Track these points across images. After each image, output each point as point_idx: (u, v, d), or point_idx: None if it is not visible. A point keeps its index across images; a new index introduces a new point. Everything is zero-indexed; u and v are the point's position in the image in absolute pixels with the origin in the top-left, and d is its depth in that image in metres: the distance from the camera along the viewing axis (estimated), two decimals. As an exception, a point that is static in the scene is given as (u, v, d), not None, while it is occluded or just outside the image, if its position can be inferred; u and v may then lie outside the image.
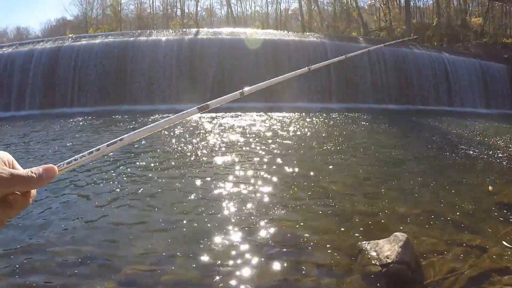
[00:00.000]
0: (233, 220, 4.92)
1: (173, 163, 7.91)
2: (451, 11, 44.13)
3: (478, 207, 5.61)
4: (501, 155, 10.07)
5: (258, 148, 9.33)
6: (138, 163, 7.86)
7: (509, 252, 4.22)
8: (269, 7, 56.18)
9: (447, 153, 9.94)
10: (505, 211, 5.50)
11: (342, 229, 4.65)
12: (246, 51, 22.28)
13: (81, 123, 15.29)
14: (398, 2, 47.66)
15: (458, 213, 5.31)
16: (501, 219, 5.19)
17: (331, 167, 7.79)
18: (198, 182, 6.64)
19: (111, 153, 7.65)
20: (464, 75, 25.64)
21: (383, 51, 23.88)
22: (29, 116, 18.66)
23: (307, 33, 28.65)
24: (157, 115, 16.43)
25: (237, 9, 56.82)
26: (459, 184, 6.95)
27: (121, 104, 20.33)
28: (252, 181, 6.55)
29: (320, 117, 16.37)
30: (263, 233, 4.55)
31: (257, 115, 16.46)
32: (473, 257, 4.09)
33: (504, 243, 4.43)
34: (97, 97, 21.05)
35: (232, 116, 15.80)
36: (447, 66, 25.29)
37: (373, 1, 52.25)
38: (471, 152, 10.28)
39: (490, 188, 6.50)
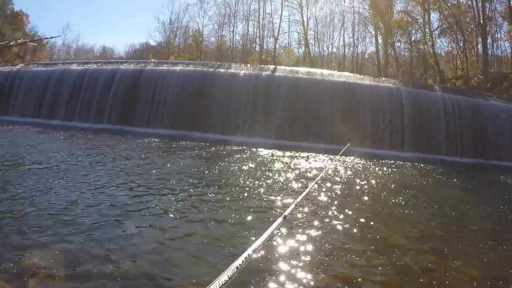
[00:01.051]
0: (294, 267, 4.59)
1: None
2: (530, 60, 43.08)
3: None
4: None
5: (322, 192, 9.07)
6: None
7: None
8: (346, 50, 57.50)
9: None
10: None
11: (399, 283, 4.56)
12: (321, 92, 23.00)
13: (153, 144, 16.54)
14: (475, 50, 47.20)
15: None
16: None
17: (396, 218, 7.49)
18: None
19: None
20: None
21: (458, 100, 24.04)
22: (105, 129, 20.76)
23: (383, 78, 29.12)
24: (228, 146, 17.58)
25: (315, 49, 58.43)
26: None
27: (194, 131, 21.72)
28: (314, 225, 6.29)
29: (391, 166, 16.22)
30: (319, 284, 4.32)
31: (322, 157, 16.83)
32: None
33: None
34: (172, 121, 22.63)
35: (296, 157, 16.01)
36: (526, 120, 24.62)
37: (451, 48, 52.18)
38: None
39: None
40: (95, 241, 4.73)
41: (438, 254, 5.53)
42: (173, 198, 7.24)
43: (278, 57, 54.18)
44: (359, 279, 4.48)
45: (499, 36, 50.88)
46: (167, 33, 60.38)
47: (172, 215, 6.21)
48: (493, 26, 47.26)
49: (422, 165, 17.73)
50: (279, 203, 7.56)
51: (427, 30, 46.72)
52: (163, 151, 14.59)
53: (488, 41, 44.14)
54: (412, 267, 4.96)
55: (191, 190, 8.11)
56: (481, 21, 40.17)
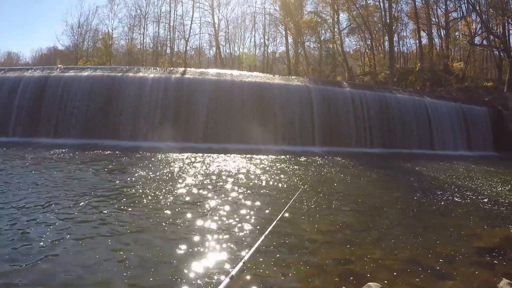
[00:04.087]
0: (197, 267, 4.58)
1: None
2: (433, 56, 45.31)
3: (456, 252, 5.53)
4: (482, 198, 10.12)
5: (231, 191, 9.01)
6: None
7: None
8: (257, 50, 57.54)
9: (428, 197, 9.82)
10: (483, 256, 5.51)
11: (315, 278, 4.51)
12: (231, 92, 22.43)
13: (61, 154, 14.88)
14: (382, 48, 49.06)
15: (435, 259, 5.23)
16: (479, 265, 5.16)
17: (308, 213, 7.39)
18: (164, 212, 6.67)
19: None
20: (446, 119, 26.37)
21: (366, 95, 24.53)
22: (9, 143, 18.35)
23: (293, 77, 29.13)
24: (140, 152, 16.26)
25: (226, 50, 58.01)
26: (438, 229, 6.87)
27: (104, 139, 19.97)
28: (223, 229, 6.10)
29: (302, 161, 16.22)
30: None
31: (231, 157, 16.28)
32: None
33: None
34: (81, 129, 20.71)
35: (204, 159, 15.39)
36: (428, 110, 25.92)
37: (359, 46, 53.90)
38: (453, 195, 10.23)
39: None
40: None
41: (353, 245, 5.60)
42: (61, 218, 6.28)
43: (231, 60, 52.94)
44: (274, 276, 4.48)
45: (404, 34, 53.68)
46: (76, 37, 56.46)
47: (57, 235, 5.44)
48: (399, 25, 49.61)
49: (333, 158, 17.84)
50: (190, 215, 6.83)
51: (336, 29, 47.97)
52: (66, 162, 12.89)
53: (394, 39, 46.29)
54: (327, 261, 4.96)
55: (84, 208, 7.00)
56: (388, 20, 41.85)
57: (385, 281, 4.38)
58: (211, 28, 54.27)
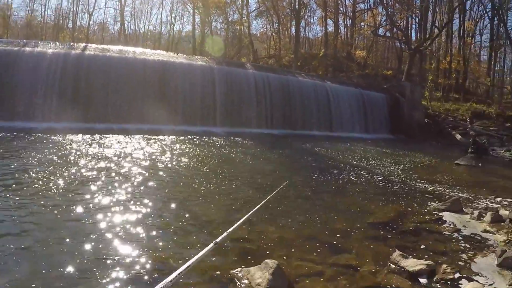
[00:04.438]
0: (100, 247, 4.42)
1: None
2: (338, 44, 46.64)
3: (352, 228, 5.74)
4: (377, 177, 10.71)
5: (128, 173, 8.44)
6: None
7: (380, 270, 4.36)
8: (163, 28, 55.61)
9: (326, 177, 10.08)
10: (378, 231, 5.77)
11: (214, 257, 4.38)
12: (133, 70, 21.12)
13: None
14: (289, 32, 49.61)
15: (332, 235, 5.39)
16: (374, 239, 5.38)
17: (206, 194, 7.28)
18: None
19: None
20: (345, 103, 27.12)
21: (268, 77, 24.35)
22: None
23: (197, 57, 28.33)
24: (35, 134, 14.32)
25: (130, 27, 55.41)
26: (335, 206, 7.12)
27: None
28: (115, 209, 5.82)
29: (202, 142, 15.84)
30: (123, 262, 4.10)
31: (131, 138, 15.22)
32: (347, 277, 4.14)
33: (376, 261, 4.59)
34: None
35: (103, 140, 14.19)
36: (329, 94, 26.46)
37: (265, 29, 54.08)
38: (349, 175, 10.63)
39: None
40: None
41: (251, 224, 5.53)
42: None
43: (136, 37, 49.97)
44: (171, 257, 4.34)
45: (312, 20, 54.78)
46: (-30, 6, 51.10)
47: None
48: (307, 11, 50.37)
49: (234, 139, 17.67)
50: (81, 202, 6.14)
51: (244, 11, 47.49)
52: None
53: (301, 24, 47.06)
54: (226, 241, 4.51)
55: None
56: (296, 6, 42.24)
57: (284, 257, 4.45)
58: (117, 3, 51.11)
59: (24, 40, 25.93)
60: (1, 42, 22.84)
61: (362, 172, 11.22)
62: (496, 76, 49.05)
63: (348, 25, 51.29)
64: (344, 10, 51.39)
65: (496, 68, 48.68)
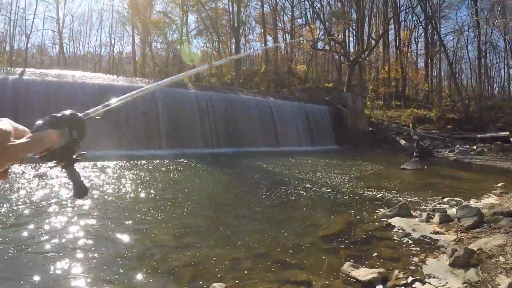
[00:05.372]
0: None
1: None
2: (278, 59, 47.18)
3: (303, 243, 5.70)
4: (325, 188, 10.72)
5: (64, 202, 7.88)
6: None
7: (332, 283, 4.35)
8: (103, 49, 54.39)
9: (274, 192, 9.98)
10: (329, 243, 5.75)
11: (166, 285, 4.34)
12: (73, 95, 20.41)
13: None
14: (230, 50, 49.78)
15: (283, 251, 5.32)
16: (325, 251, 5.36)
17: (155, 219, 7.06)
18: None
19: None
20: (288, 117, 27.40)
21: (211, 96, 24.15)
22: None
23: (137, 78, 27.85)
24: None
25: (69, 50, 53.70)
26: (285, 222, 7.05)
27: None
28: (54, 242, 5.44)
29: (147, 165, 15.45)
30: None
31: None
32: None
33: (329, 274, 4.56)
34: None
35: (42, 168, 13.53)
36: (272, 110, 26.68)
37: (206, 48, 54.05)
38: (297, 189, 10.55)
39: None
40: None
41: (201, 247, 5.48)
42: None
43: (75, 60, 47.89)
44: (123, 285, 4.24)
45: (251, 37, 55.17)
46: None
47: None
48: (246, 28, 50.70)
49: (180, 160, 17.34)
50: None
51: (184, 31, 47.28)
52: None
53: (241, 42, 47.29)
54: (176, 266, 4.75)
55: None
56: (236, 24, 42.28)
57: (235, 280, 4.36)
58: (55, 24, 48.87)
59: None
60: None
61: (310, 185, 11.21)
62: (434, 82, 51.18)
63: (287, 40, 52.01)
64: (283, 26, 52.23)
65: (433, 74, 50.88)
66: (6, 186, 9.22)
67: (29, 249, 5.08)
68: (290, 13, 51.23)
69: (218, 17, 46.62)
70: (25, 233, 5.74)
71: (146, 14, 45.44)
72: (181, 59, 45.14)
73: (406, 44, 49.00)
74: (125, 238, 5.86)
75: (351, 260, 4.74)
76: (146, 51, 46.36)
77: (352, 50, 46.61)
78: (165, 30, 47.43)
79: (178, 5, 45.92)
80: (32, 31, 48.18)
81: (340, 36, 45.80)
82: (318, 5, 46.73)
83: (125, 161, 16.22)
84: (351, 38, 50.67)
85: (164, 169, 14.74)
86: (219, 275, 4.49)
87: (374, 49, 45.41)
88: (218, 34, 46.90)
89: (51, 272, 4.42)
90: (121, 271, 4.57)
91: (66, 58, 48.81)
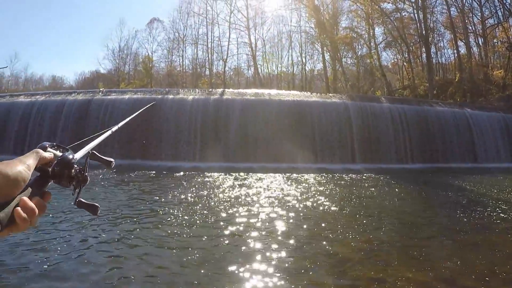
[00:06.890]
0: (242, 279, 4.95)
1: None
2: (472, 66, 44.48)
3: (497, 271, 5.23)
4: None
5: (268, 210, 9.04)
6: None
7: None
8: (295, 68, 58.03)
9: (469, 214, 9.30)
10: None
11: None
12: (270, 112, 22.82)
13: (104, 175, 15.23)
14: (420, 60, 48.49)
15: (475, 279, 4.96)
16: None
17: (345, 231, 7.34)
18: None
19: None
20: (487, 130, 25.69)
21: (404, 110, 24.51)
22: None
23: (331, 94, 29.30)
24: (181, 172, 16.92)
25: (264, 70, 58.67)
26: (479, 247, 6.53)
27: (146, 159, 20.77)
28: (258, 247, 6.24)
29: (341, 179, 16.07)
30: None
31: (267, 176, 16.34)
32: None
33: None
34: (123, 151, 21.14)
35: (246, 178, 15.76)
36: (470, 122, 25.44)
37: (396, 60, 53.52)
38: (495, 211, 9.77)
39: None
40: None
41: (388, 264, 5.47)
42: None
43: (270, 79, 54.22)
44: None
45: (442, 45, 52.77)
46: (117, 60, 59.19)
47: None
48: (435, 36, 48.82)
49: (373, 175, 17.67)
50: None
51: (372, 44, 48.03)
52: (110, 183, 13.52)
53: (432, 50, 45.70)
54: (361, 280, 4.85)
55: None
56: (424, 32, 41.32)
57: None
58: (248, 48, 55.15)
59: (167, 89, 29.42)
60: (146, 91, 26.31)
61: (509, 208, 10.22)
62: None
63: (481, 44, 48.48)
64: (474, 29, 48.98)
65: None
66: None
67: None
68: (479, 14, 47.85)
69: (405, 26, 45.63)
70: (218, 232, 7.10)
71: (333, 31, 47.26)
72: (372, 72, 45.85)
73: None
74: (314, 247, 6.27)
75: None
76: (336, 66, 48.08)
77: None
78: (353, 45, 48.65)
79: (363, 19, 47.00)
80: (228, 56, 55.27)
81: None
82: (509, 1, 42.09)
83: (319, 174, 17.30)
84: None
85: (356, 183, 15.13)
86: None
87: None
88: (407, 44, 46.01)
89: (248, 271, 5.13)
90: (305, 278, 4.93)
91: (261, 78, 53.70)
